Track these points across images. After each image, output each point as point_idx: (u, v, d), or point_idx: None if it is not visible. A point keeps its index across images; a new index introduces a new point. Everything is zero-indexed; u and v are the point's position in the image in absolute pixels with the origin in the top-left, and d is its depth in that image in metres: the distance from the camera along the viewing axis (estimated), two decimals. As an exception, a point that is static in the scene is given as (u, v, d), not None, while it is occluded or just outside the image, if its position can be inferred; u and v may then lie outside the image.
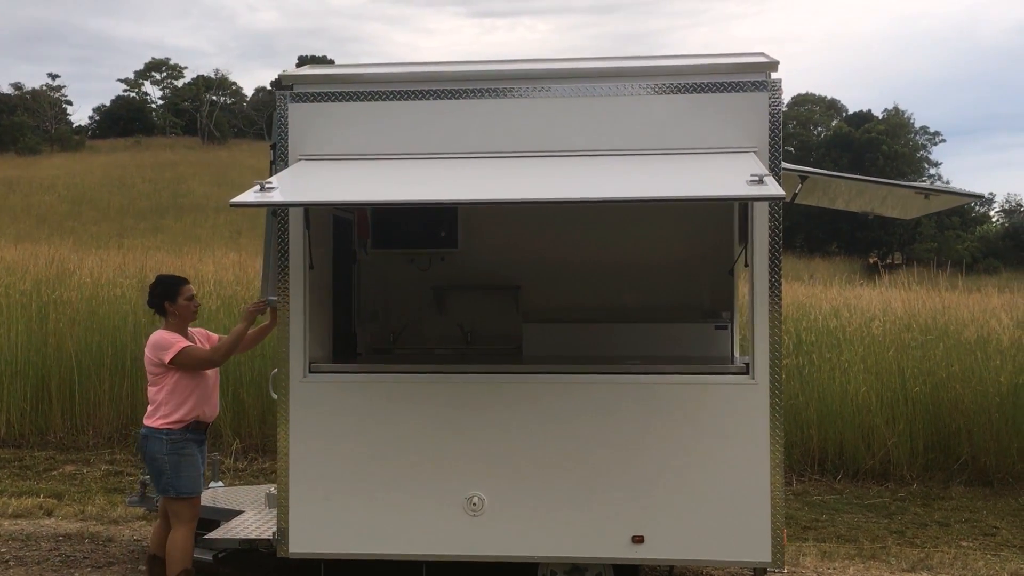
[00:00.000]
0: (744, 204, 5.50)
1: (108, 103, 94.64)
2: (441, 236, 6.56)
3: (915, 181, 49.43)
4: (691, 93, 5.32)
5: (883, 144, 64.69)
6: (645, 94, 5.36)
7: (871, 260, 55.42)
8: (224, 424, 10.24)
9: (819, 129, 79.76)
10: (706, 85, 5.31)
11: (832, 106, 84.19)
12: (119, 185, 55.13)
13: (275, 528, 5.56)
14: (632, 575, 5.68)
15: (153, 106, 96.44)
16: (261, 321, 5.93)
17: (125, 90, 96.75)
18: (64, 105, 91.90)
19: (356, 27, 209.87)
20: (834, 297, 14.65)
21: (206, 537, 5.87)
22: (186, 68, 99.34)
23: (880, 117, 73.17)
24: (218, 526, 6.11)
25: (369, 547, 5.48)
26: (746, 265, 5.34)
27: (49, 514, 8.13)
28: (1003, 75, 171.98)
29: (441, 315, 7.16)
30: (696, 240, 6.80)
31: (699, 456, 5.28)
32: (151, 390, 5.67)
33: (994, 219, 68.94)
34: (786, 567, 5.83)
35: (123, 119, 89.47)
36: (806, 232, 56.66)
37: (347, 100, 5.50)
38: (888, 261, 55.94)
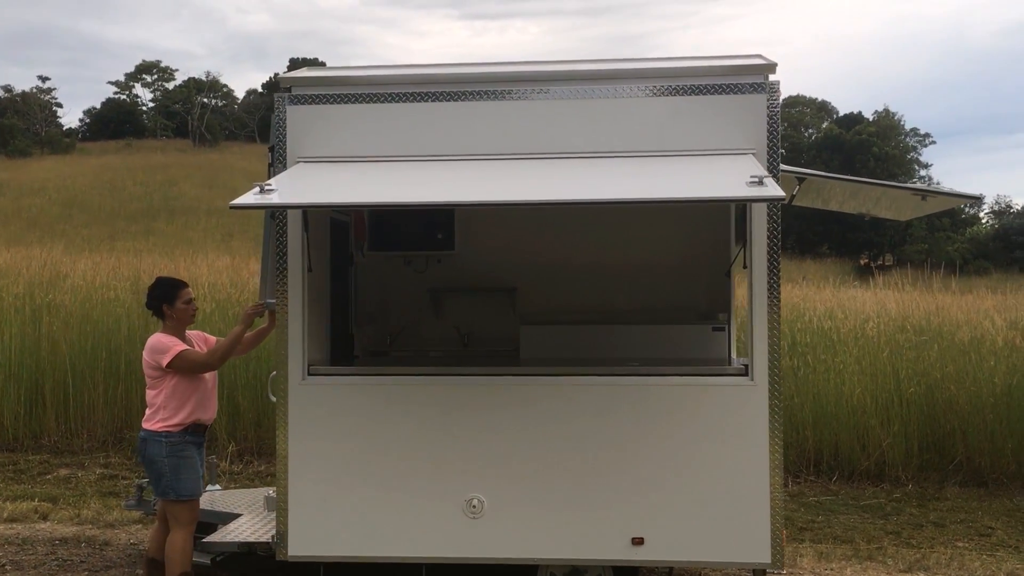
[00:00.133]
0: (742, 206, 5.51)
1: (98, 105, 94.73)
2: (438, 238, 6.54)
3: (907, 183, 49.58)
4: (689, 95, 5.32)
5: (874, 146, 64.93)
6: (643, 96, 5.35)
7: (862, 262, 55.57)
8: (220, 427, 10.20)
9: (810, 131, 79.98)
10: (705, 87, 5.31)
11: (823, 108, 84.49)
12: (110, 188, 55.00)
13: (274, 531, 5.55)
14: (631, 577, 5.68)
15: (144, 109, 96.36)
16: (259, 324, 5.91)
17: (116, 93, 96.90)
18: (54, 108, 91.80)
19: (347, 29, 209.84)
20: (828, 299, 14.69)
21: (204, 540, 5.85)
22: (177, 71, 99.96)
23: (871, 119, 73.48)
24: (216, 529, 6.09)
25: (369, 550, 5.47)
26: (744, 266, 5.35)
27: (44, 518, 8.10)
28: (992, 77, 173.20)
29: (438, 317, 7.15)
30: (693, 242, 6.80)
31: (698, 457, 5.28)
32: (149, 393, 5.65)
33: (984, 220, 69.27)
34: (784, 568, 5.84)
35: (114, 122, 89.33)
36: (797, 233, 56.75)
37: (345, 102, 5.48)
38: (879, 262, 56.07)
